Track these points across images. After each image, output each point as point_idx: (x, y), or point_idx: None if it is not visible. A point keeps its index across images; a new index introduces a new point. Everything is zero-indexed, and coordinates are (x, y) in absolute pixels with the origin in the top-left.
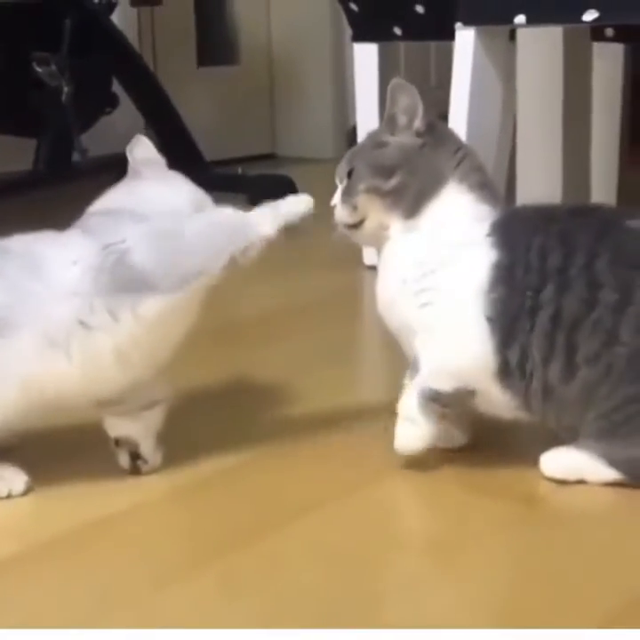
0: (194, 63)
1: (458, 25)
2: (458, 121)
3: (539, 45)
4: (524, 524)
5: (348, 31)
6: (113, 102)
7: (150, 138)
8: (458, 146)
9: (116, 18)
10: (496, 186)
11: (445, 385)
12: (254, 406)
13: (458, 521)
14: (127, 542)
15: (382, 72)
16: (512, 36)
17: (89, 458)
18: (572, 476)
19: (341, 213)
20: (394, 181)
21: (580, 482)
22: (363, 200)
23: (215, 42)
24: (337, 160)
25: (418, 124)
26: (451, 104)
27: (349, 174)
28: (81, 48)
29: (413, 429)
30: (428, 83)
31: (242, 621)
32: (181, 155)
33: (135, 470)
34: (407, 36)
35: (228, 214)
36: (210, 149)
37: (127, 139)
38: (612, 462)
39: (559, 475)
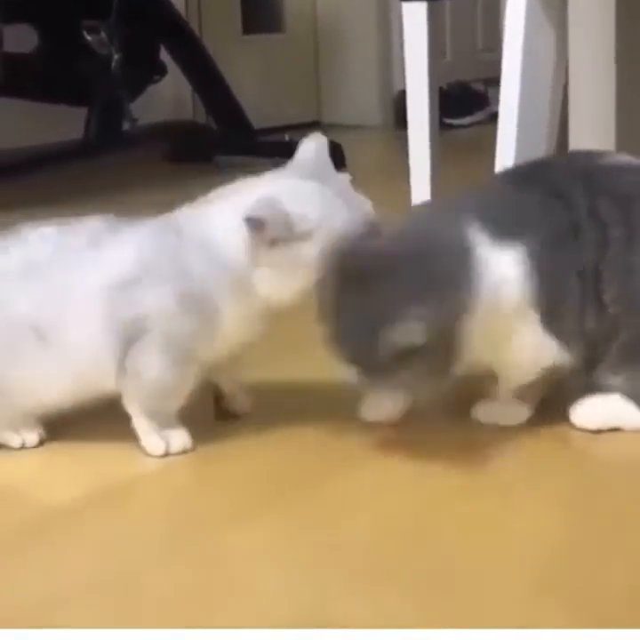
0: (239, 31)
1: None
2: (511, 79)
3: (591, 1)
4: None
5: None
6: (161, 70)
7: (198, 105)
8: None
9: None
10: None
11: (530, 375)
12: None
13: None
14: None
15: (431, 33)
16: None
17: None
18: (605, 425)
19: (383, 386)
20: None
21: (615, 430)
22: (403, 380)
23: (260, 9)
24: (382, 127)
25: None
26: (503, 61)
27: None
28: (130, 16)
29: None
30: (474, 44)
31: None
32: (229, 122)
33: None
34: None
35: None
36: (255, 117)
37: (176, 106)
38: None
39: (591, 425)
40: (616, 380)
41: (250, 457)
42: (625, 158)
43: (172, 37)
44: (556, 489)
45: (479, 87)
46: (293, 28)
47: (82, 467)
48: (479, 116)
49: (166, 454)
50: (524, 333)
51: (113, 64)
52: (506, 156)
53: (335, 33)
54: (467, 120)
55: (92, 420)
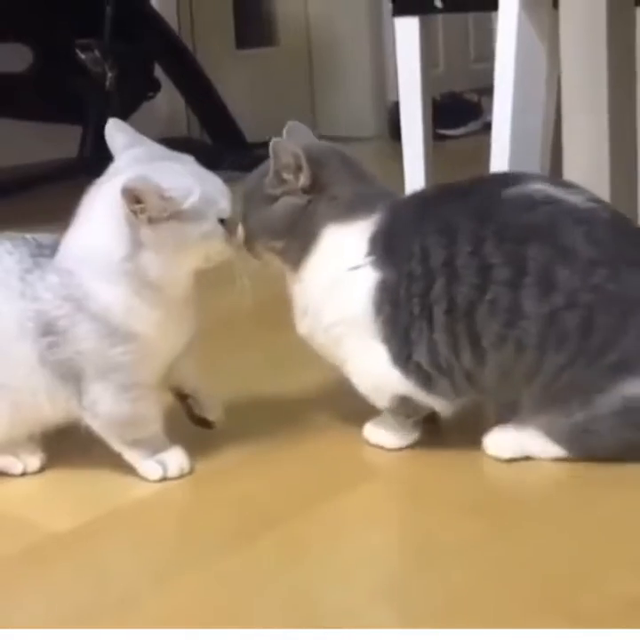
0: (232, 45)
1: None
2: (503, 91)
3: (582, 12)
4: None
5: (386, 7)
6: (155, 87)
7: (192, 120)
8: (334, 176)
9: (155, 2)
10: (372, 179)
11: (382, 402)
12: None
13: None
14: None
15: (423, 46)
16: (555, 3)
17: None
18: (517, 454)
19: (244, 248)
20: (281, 244)
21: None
22: (263, 253)
23: (253, 23)
24: (377, 138)
25: (303, 181)
26: (495, 74)
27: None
28: (123, 34)
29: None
30: (467, 56)
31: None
32: (224, 137)
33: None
34: (448, 7)
35: None
36: (250, 131)
37: (170, 122)
38: (555, 437)
39: (504, 454)
40: (538, 418)
41: (248, 475)
42: (537, 187)
43: (166, 54)
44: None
45: (472, 97)
46: (287, 42)
47: (82, 491)
48: (473, 126)
49: (165, 478)
50: (366, 360)
51: (107, 82)
52: (500, 167)
53: (329, 45)
54: (460, 130)
55: (93, 444)
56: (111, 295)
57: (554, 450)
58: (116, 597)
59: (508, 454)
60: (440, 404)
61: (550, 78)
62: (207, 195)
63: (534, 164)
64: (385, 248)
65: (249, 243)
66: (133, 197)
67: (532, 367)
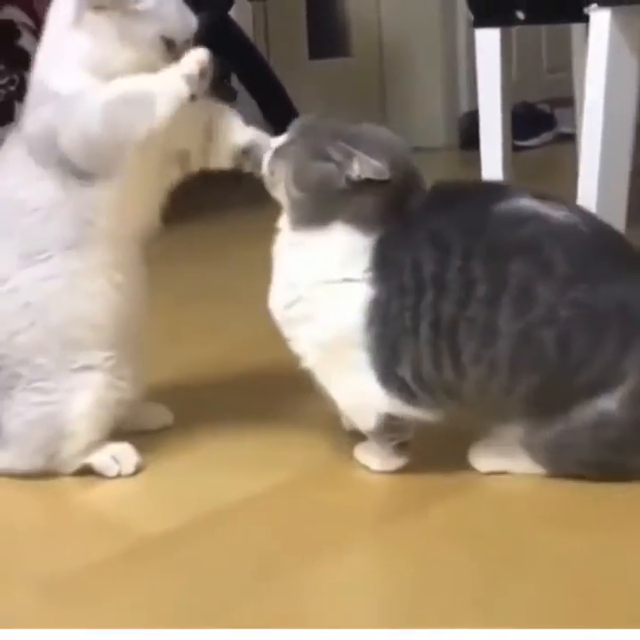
0: (305, 56)
1: (592, 6)
2: (594, 106)
3: None
4: None
5: (459, 18)
6: (232, 96)
7: (267, 130)
8: (381, 188)
9: (231, 13)
10: (408, 194)
11: (366, 423)
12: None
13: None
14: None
15: (504, 58)
16: None
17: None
18: (494, 468)
19: (265, 163)
20: (298, 196)
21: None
22: (278, 176)
23: (326, 34)
24: (448, 148)
25: (352, 174)
26: (587, 89)
27: (293, 139)
28: (202, 43)
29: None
30: (540, 67)
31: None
32: None
33: None
34: (530, 19)
35: (131, 85)
36: None
37: None
38: (533, 452)
39: (482, 467)
40: (517, 430)
41: (332, 483)
42: (524, 203)
43: (243, 63)
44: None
45: (545, 108)
46: (360, 52)
47: (177, 494)
48: (546, 136)
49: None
50: (351, 378)
51: None
52: (589, 180)
53: (401, 56)
54: (533, 141)
55: (188, 446)
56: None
57: (530, 466)
58: (213, 600)
59: (484, 468)
60: (426, 416)
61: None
62: (163, 8)
63: (624, 180)
64: (381, 262)
65: (276, 160)
66: None
67: (507, 386)
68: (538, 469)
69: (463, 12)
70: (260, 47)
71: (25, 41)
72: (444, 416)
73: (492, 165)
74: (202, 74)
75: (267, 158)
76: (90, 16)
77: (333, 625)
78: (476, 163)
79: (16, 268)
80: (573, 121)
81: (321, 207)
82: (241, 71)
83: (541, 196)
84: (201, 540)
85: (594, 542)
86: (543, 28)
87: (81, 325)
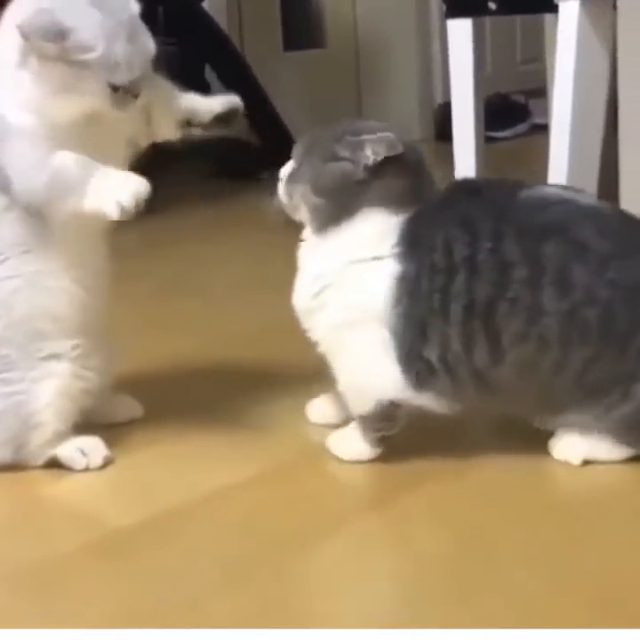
0: (280, 47)
1: None
2: (563, 95)
3: None
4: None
5: (434, 10)
6: (205, 89)
7: (241, 122)
8: (398, 168)
9: (205, 4)
10: (430, 179)
11: (363, 407)
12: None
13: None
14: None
15: (476, 48)
16: (614, 4)
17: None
18: (587, 458)
19: (281, 192)
20: (319, 202)
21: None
22: (297, 197)
23: (301, 26)
24: (423, 140)
25: (368, 161)
26: (556, 78)
27: (301, 160)
28: (174, 34)
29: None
30: (514, 58)
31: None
32: (272, 138)
33: None
34: (502, 10)
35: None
36: (297, 132)
37: None
38: (612, 435)
39: (575, 459)
40: (583, 418)
41: (310, 475)
42: (552, 190)
43: (216, 55)
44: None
45: (519, 99)
46: (334, 44)
47: (146, 487)
48: (520, 128)
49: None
50: (365, 355)
51: None
52: (559, 169)
53: (376, 47)
54: (508, 132)
55: (157, 440)
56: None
57: (620, 450)
58: (182, 595)
59: (578, 459)
60: (433, 405)
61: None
62: (111, 56)
63: (593, 168)
64: (411, 240)
65: (291, 185)
66: (25, 34)
67: (559, 362)
68: (627, 453)
69: (437, 3)
70: (234, 38)
71: None
72: (453, 407)
73: (464, 156)
74: (136, 207)
75: (281, 188)
76: (35, 63)
77: (307, 622)
78: (451, 154)
79: None
80: (547, 112)
81: (344, 204)
82: (214, 63)
83: (568, 188)
84: (170, 533)
85: (580, 529)
86: (517, 19)
87: (44, 318)
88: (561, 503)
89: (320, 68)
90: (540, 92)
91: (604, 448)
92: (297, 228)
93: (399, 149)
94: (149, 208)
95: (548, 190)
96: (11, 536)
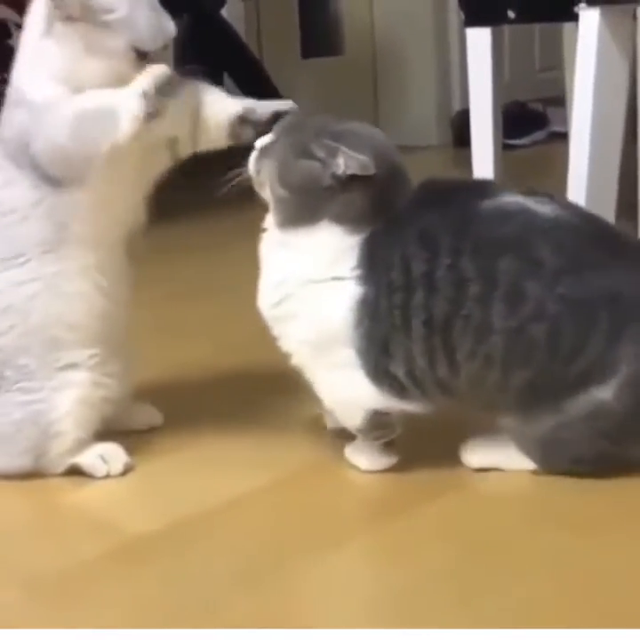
0: (298, 55)
1: (581, 5)
2: (583, 104)
3: None
4: None
5: (451, 17)
6: None
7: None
8: (366, 185)
9: (223, 12)
10: (396, 189)
11: (353, 420)
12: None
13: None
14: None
15: (495, 57)
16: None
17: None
18: (486, 465)
19: (251, 163)
20: (283, 194)
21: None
22: (264, 174)
23: (319, 33)
24: (441, 147)
25: (337, 172)
26: (576, 87)
27: (278, 137)
28: (193, 43)
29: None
30: (532, 66)
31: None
32: None
33: None
34: (521, 18)
35: (96, 100)
36: None
37: None
38: (525, 447)
39: (473, 463)
40: (508, 421)
41: (321, 482)
42: (510, 199)
43: (235, 63)
44: None
45: (537, 107)
46: (352, 51)
47: (166, 494)
48: (538, 135)
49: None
50: (339, 375)
51: None
52: (578, 177)
53: (393, 55)
54: (525, 140)
55: (176, 451)
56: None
57: (522, 462)
58: (200, 600)
59: (475, 464)
60: (416, 409)
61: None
62: (134, 19)
63: (613, 177)
64: (369, 260)
65: (259, 166)
66: None
67: (501, 380)
68: (529, 465)
69: (455, 11)
70: (253, 46)
71: (16, 40)
72: (434, 408)
73: (482, 164)
74: (159, 90)
75: (253, 158)
76: (60, 27)
77: (320, 625)
78: (469, 161)
79: None
80: (566, 120)
81: (307, 206)
82: (233, 71)
83: (528, 192)
84: (189, 540)
85: (586, 541)
86: (536, 27)
87: (62, 325)
88: (569, 512)
89: (338, 75)
90: (559, 100)
91: (506, 456)
92: None
93: (370, 171)
94: (163, 214)
95: (509, 200)
96: (32, 543)
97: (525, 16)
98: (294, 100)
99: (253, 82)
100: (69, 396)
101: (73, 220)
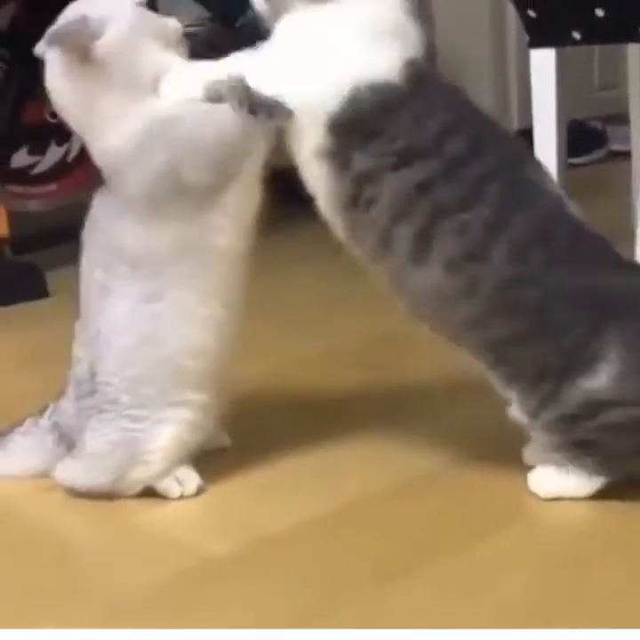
0: None
1: None
2: None
3: None
4: None
5: (510, 36)
6: None
7: None
8: None
9: None
10: None
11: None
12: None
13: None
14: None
15: (559, 77)
16: None
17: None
18: (555, 495)
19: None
20: None
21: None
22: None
23: None
24: None
25: None
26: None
27: None
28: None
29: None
30: (591, 85)
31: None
32: None
33: None
34: (586, 39)
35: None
36: None
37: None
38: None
39: (542, 494)
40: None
41: (400, 507)
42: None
43: None
44: None
45: (597, 125)
46: None
47: (239, 515)
48: (597, 154)
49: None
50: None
51: None
52: None
53: (452, 73)
54: (584, 159)
55: (249, 466)
56: None
57: (588, 484)
58: (276, 623)
59: (543, 494)
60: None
61: None
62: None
63: None
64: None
65: None
66: (60, 35)
67: (474, 317)
68: (596, 486)
69: (514, 27)
70: None
71: None
72: None
73: None
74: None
75: None
76: (78, 68)
77: None
78: None
79: (136, 305)
80: (626, 138)
81: None
82: None
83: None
84: (263, 560)
85: None
86: (596, 46)
87: (191, 353)
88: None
89: None
90: (618, 118)
91: (571, 483)
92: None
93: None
94: None
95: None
96: (107, 563)
97: (591, 37)
98: None
99: None
100: (169, 431)
101: (220, 237)
